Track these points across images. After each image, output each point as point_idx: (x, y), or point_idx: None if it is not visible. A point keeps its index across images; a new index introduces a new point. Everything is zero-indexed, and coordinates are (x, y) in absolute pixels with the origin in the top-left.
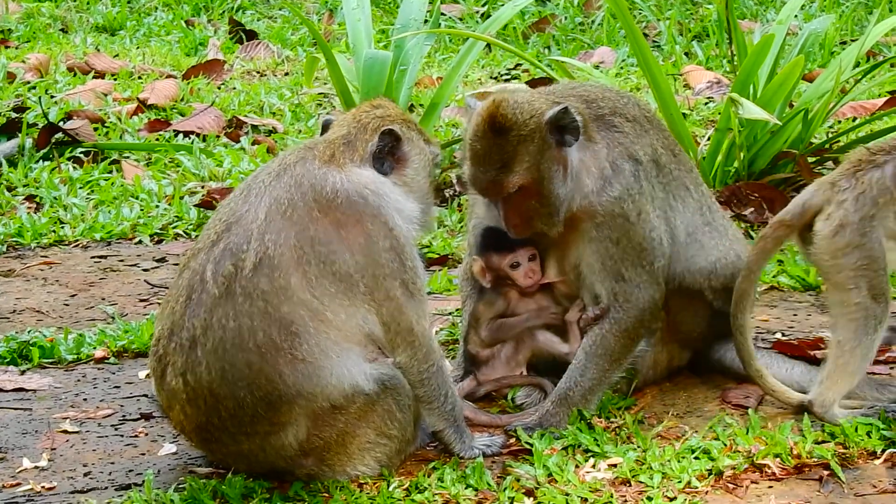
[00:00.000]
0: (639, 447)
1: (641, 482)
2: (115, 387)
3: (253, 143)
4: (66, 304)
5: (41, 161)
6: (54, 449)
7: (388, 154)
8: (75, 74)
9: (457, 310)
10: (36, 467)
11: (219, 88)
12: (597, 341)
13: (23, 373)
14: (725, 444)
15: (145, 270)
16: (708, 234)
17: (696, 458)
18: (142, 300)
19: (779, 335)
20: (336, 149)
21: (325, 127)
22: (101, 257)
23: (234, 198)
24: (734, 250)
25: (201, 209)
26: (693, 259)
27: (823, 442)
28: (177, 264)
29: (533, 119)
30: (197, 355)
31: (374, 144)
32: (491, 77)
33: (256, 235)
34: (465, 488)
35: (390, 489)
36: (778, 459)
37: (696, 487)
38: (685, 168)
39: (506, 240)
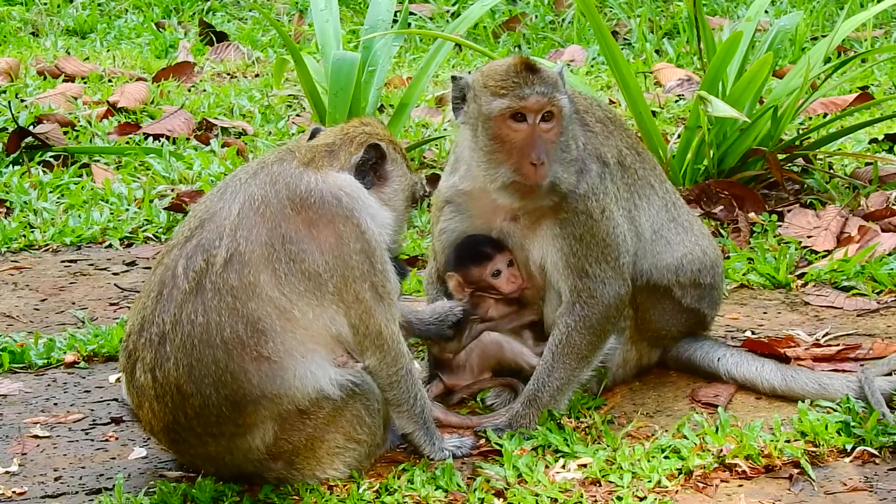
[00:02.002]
0: (609, 447)
1: (611, 482)
2: (86, 391)
3: (223, 146)
4: (37, 309)
5: (11, 166)
6: (25, 454)
7: (370, 169)
8: (45, 78)
9: None
10: (6, 472)
11: (189, 91)
12: (563, 340)
13: None
14: (695, 444)
15: (115, 274)
16: (674, 230)
17: (666, 457)
18: (112, 304)
19: (749, 333)
20: (317, 153)
21: (314, 135)
22: (71, 261)
23: (210, 196)
24: (700, 246)
25: (171, 212)
26: (660, 255)
27: (794, 440)
28: (147, 268)
29: (552, 71)
30: (166, 351)
31: (358, 157)
32: None
33: (229, 232)
34: (436, 490)
35: (360, 491)
36: (748, 459)
37: (666, 487)
38: (649, 166)
39: (481, 250)
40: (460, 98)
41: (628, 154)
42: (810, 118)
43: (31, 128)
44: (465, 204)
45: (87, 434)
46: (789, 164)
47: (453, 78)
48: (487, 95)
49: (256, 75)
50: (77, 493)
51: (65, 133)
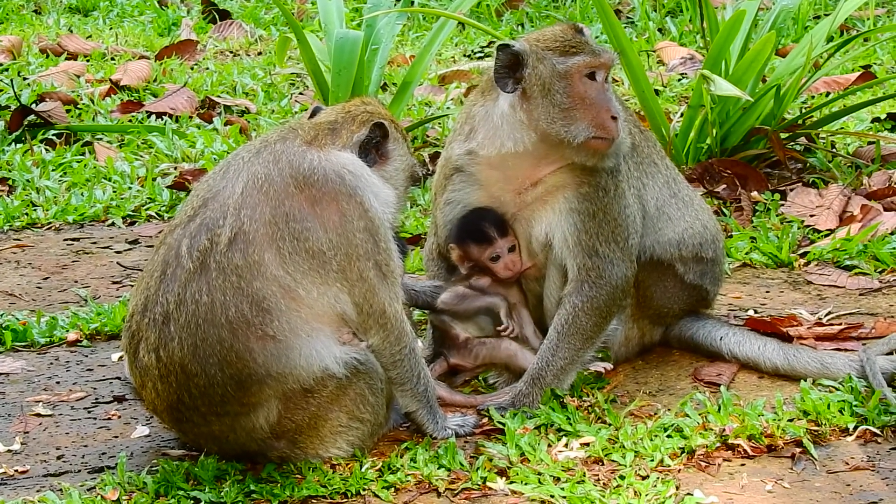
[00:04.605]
0: (611, 426)
1: (614, 461)
2: (88, 370)
3: (226, 124)
4: (39, 287)
5: (13, 144)
6: (27, 432)
7: (373, 147)
8: (48, 56)
9: None
10: (9, 451)
11: (192, 69)
12: (568, 320)
13: None
14: (698, 423)
15: (118, 253)
16: (675, 205)
17: (668, 436)
18: (114, 282)
19: (751, 312)
20: (320, 131)
21: (314, 114)
22: (73, 240)
23: (212, 175)
24: (700, 220)
25: (174, 190)
26: (662, 231)
27: (796, 420)
28: (150, 246)
29: None
30: (170, 330)
31: (362, 134)
32: (464, 55)
33: (232, 211)
34: (438, 468)
35: (363, 470)
36: (751, 438)
37: (669, 466)
38: (651, 143)
39: (483, 231)
40: (508, 66)
41: (636, 133)
42: (813, 97)
43: (33, 106)
44: (477, 173)
45: (89, 412)
46: (792, 143)
47: (503, 45)
48: (557, 56)
49: (259, 53)
50: (79, 471)
51: (67, 111)
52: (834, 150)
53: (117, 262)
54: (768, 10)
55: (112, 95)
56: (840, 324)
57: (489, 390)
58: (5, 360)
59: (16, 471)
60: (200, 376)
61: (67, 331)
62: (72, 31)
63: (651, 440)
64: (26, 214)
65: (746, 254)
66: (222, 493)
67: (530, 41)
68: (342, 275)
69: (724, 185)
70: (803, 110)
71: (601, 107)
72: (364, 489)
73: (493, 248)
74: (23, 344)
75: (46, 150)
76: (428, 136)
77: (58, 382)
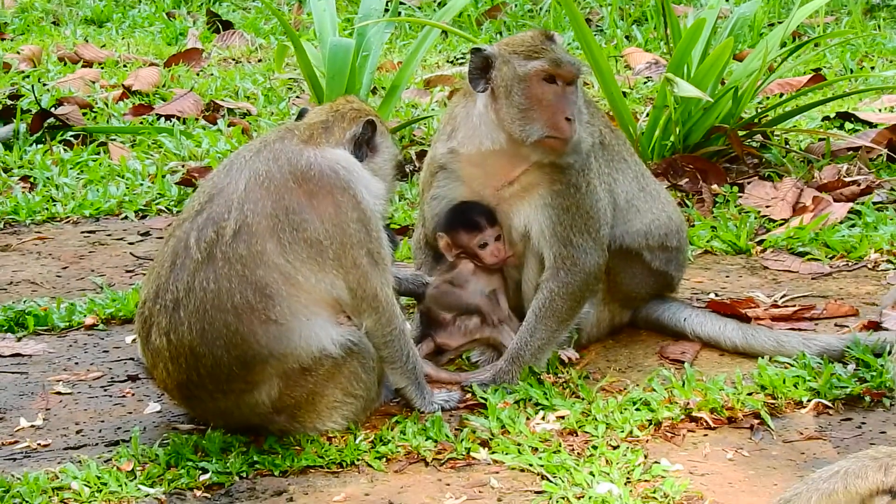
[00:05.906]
0: (584, 400)
1: (587, 432)
2: (104, 351)
3: (229, 125)
4: (59, 276)
5: (34, 144)
6: (49, 409)
7: (364, 142)
8: (65, 64)
9: None
10: (32, 426)
11: (197, 75)
12: (545, 304)
13: (19, 339)
14: (664, 397)
15: (131, 244)
16: (643, 198)
17: (637, 409)
18: (128, 271)
19: (712, 295)
20: (315, 130)
21: (301, 115)
22: (90, 232)
23: (216, 172)
24: (666, 212)
25: (182, 187)
26: (630, 222)
27: (754, 394)
28: (160, 238)
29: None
30: (179, 316)
31: (355, 131)
32: (447, 61)
33: (237, 205)
34: (426, 440)
35: (357, 442)
36: (713, 411)
37: (638, 437)
38: (621, 141)
39: (473, 219)
40: (480, 68)
41: (607, 133)
42: (768, 98)
43: (52, 109)
44: (459, 170)
45: (105, 391)
46: (749, 140)
47: (476, 49)
48: (520, 59)
49: (259, 60)
50: (97, 444)
51: (84, 114)
52: (787, 146)
53: (130, 253)
54: (726, 18)
55: (124, 100)
56: (794, 305)
57: (472, 368)
58: (28, 343)
59: (39, 444)
60: (208, 357)
61: (85, 315)
62: (87, 41)
63: (621, 413)
64: (46, 209)
65: (708, 242)
66: (228, 464)
67: (501, 45)
68: (337, 262)
69: (687, 179)
70: (759, 110)
71: (556, 108)
72: (358, 459)
73: (482, 236)
74: (44, 328)
75: (65, 150)
76: (415, 136)
77: (76, 363)
